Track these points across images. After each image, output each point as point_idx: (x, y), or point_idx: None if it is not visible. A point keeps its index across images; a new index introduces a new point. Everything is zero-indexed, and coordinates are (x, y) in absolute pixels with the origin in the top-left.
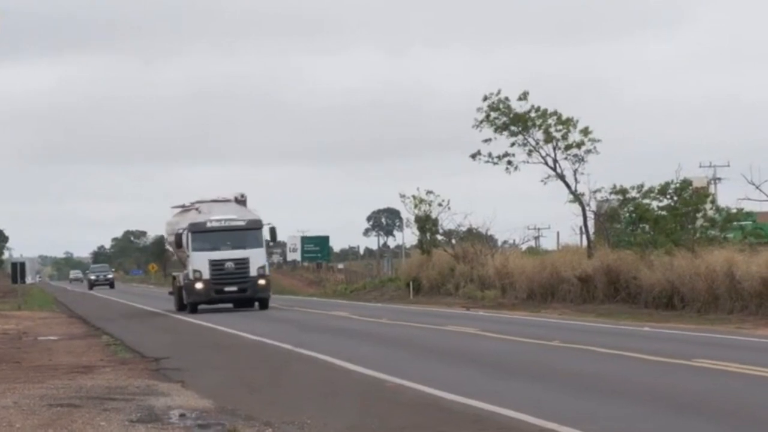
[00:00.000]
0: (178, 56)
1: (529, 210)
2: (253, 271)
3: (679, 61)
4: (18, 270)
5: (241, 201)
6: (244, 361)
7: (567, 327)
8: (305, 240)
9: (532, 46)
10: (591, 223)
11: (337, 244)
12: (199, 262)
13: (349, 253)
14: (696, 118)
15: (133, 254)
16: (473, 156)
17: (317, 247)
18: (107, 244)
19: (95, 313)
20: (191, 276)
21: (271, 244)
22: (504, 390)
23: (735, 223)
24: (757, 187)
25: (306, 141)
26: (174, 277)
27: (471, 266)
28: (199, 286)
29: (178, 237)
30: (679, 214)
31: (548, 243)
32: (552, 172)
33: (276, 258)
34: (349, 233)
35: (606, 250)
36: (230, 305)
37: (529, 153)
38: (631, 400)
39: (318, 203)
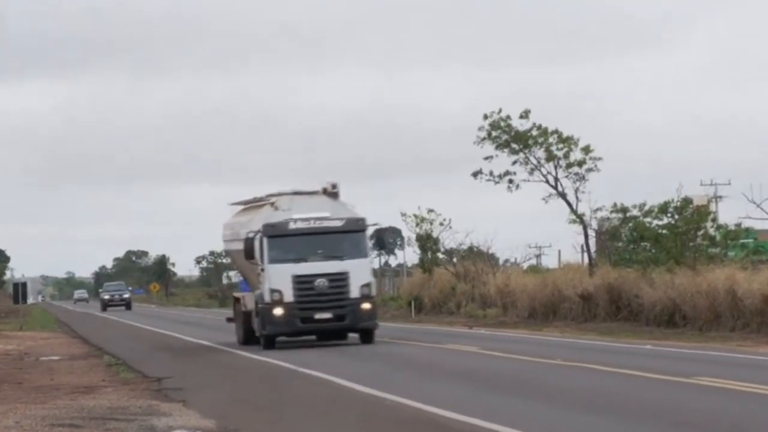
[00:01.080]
0: (175, 76)
1: (530, 228)
2: (354, 291)
3: (679, 79)
4: (20, 290)
5: (332, 193)
6: (246, 380)
7: (568, 345)
8: None
9: (530, 65)
10: (592, 242)
11: None
12: (279, 278)
13: None
14: (697, 135)
15: (134, 274)
16: (474, 174)
17: None
18: (109, 264)
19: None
20: (267, 298)
21: (378, 253)
22: (504, 408)
23: (739, 241)
24: (758, 206)
25: (305, 160)
26: (237, 300)
27: (472, 285)
28: (278, 312)
29: (248, 244)
30: (680, 232)
31: (549, 261)
32: (553, 191)
33: None
34: None
35: (607, 268)
36: (312, 337)
37: (531, 171)
38: (632, 418)
39: None
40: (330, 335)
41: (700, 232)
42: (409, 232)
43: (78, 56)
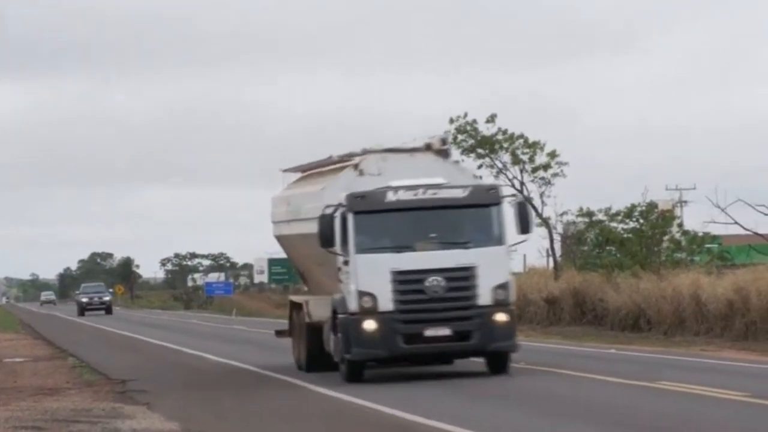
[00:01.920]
0: (143, 79)
1: None
2: (483, 295)
3: (645, 84)
4: None
5: (440, 151)
6: (211, 383)
7: (533, 349)
8: (272, 262)
9: (496, 70)
10: (558, 246)
11: None
12: (372, 275)
13: None
14: (662, 141)
15: (99, 276)
16: None
17: (284, 269)
18: (73, 266)
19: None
20: (353, 305)
21: (522, 237)
22: (469, 411)
23: (705, 246)
24: (723, 210)
25: (272, 163)
26: (295, 305)
27: None
28: (369, 326)
29: (325, 224)
30: (645, 236)
31: (515, 265)
32: (519, 195)
33: (243, 280)
34: None
35: (572, 272)
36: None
37: (496, 175)
38: (595, 422)
39: None
40: (442, 357)
41: (666, 237)
42: None
43: (46, 57)
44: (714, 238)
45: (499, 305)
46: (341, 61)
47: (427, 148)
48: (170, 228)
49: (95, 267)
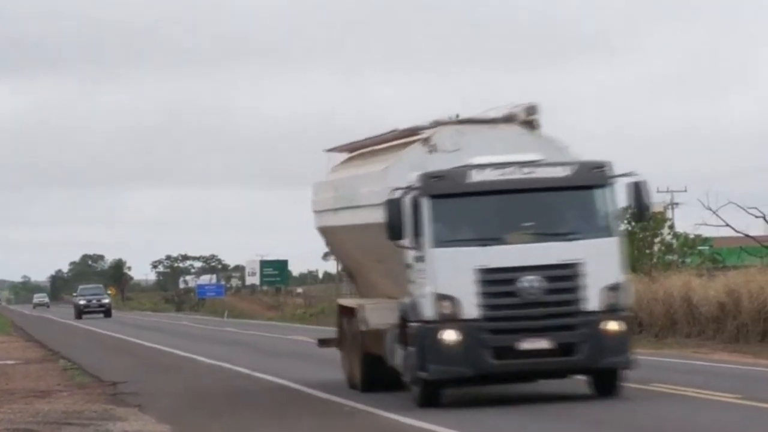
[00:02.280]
0: (131, 79)
1: None
2: (592, 299)
3: (636, 87)
4: None
5: (527, 122)
6: (202, 385)
7: None
8: (264, 264)
9: (496, 70)
10: None
11: (296, 268)
12: (452, 274)
13: (308, 278)
14: (653, 143)
15: (91, 278)
16: None
17: (276, 271)
18: (65, 268)
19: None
20: (428, 311)
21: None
22: (458, 415)
23: (696, 248)
24: (714, 213)
25: (261, 165)
26: (345, 310)
27: None
28: (450, 337)
29: (393, 211)
30: (636, 238)
31: None
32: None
33: (235, 282)
34: (308, 257)
35: None
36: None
37: None
38: (586, 425)
39: (276, 227)
40: (541, 378)
41: (657, 239)
42: None
43: (31, 59)
44: (705, 241)
45: (611, 311)
46: (341, 61)
47: (510, 119)
48: (162, 230)
49: (86, 269)
